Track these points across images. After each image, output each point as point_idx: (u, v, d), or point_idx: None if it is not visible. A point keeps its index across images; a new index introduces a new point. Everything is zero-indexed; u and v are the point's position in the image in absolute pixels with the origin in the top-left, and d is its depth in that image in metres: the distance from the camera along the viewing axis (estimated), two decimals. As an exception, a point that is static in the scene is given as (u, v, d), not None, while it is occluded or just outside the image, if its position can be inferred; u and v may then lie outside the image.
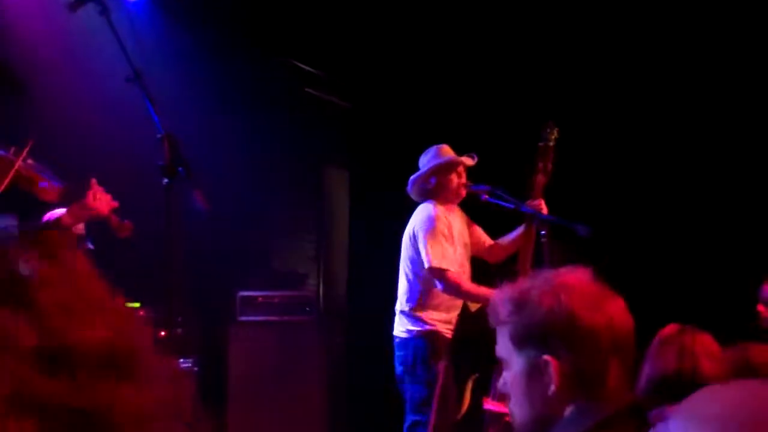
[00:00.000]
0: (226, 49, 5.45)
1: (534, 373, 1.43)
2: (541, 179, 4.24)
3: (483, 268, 4.55)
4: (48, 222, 3.18)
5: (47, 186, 3.08)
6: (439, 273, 4.21)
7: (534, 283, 1.47)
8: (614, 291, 1.48)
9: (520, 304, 1.45)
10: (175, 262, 2.85)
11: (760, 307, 4.00)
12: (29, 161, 3.06)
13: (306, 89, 5.90)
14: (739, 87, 5.28)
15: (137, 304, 5.07)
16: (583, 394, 1.41)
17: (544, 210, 4.25)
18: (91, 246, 4.18)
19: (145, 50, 4.76)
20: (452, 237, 4.32)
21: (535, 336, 1.43)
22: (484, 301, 4.08)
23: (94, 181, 3.12)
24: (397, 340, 4.35)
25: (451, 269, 4.22)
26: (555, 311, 1.41)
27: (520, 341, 1.45)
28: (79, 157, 4.19)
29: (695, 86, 5.39)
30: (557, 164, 4.29)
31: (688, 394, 2.37)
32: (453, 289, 4.21)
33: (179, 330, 4.70)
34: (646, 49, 5.44)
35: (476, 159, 4.40)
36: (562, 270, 1.49)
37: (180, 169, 2.82)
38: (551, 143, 4.25)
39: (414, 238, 4.32)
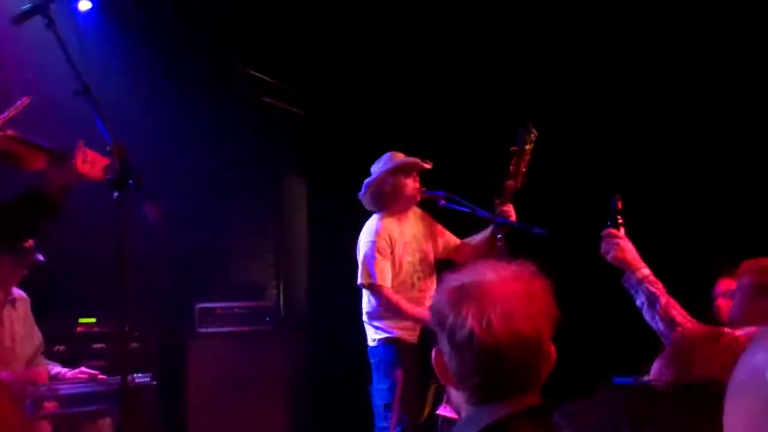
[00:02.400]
0: (181, 59, 5.41)
1: None
2: (511, 184, 4.05)
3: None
4: (34, 185, 2.88)
5: (33, 154, 2.84)
6: (373, 289, 4.20)
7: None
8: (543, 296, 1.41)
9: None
10: (127, 275, 2.80)
11: (720, 302, 4.01)
12: (9, 131, 2.82)
13: (263, 98, 5.87)
14: (704, 88, 5.32)
15: (93, 319, 5.01)
16: (473, 394, 1.37)
17: (512, 216, 4.08)
18: (41, 258, 4.09)
19: (97, 60, 4.71)
20: (393, 251, 4.27)
21: (436, 333, 1.43)
22: (417, 321, 4.09)
23: (81, 143, 2.92)
24: (368, 348, 4.34)
25: (386, 285, 4.20)
26: (438, 306, 1.41)
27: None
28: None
29: (657, 85, 5.45)
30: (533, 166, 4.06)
31: None
32: (386, 305, 4.19)
33: (136, 344, 4.65)
34: (608, 48, 5.48)
35: (431, 165, 4.39)
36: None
37: (130, 181, 2.79)
38: (528, 146, 4.02)
39: (357, 252, 4.32)
